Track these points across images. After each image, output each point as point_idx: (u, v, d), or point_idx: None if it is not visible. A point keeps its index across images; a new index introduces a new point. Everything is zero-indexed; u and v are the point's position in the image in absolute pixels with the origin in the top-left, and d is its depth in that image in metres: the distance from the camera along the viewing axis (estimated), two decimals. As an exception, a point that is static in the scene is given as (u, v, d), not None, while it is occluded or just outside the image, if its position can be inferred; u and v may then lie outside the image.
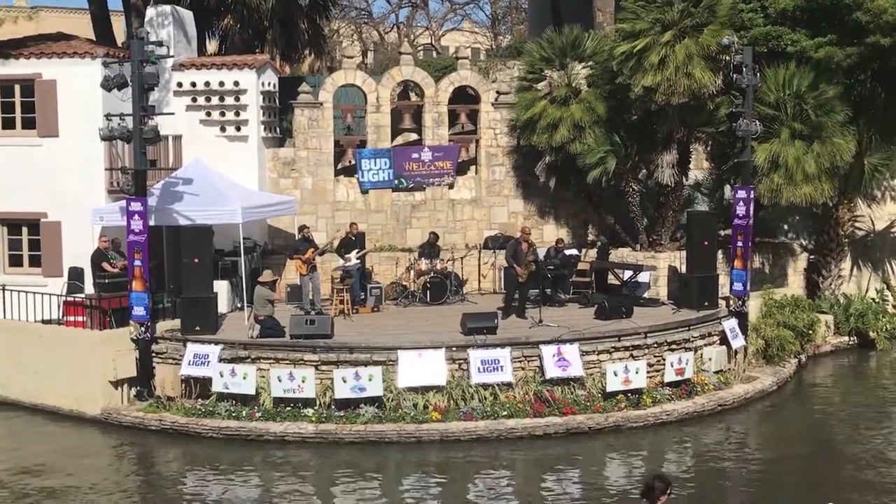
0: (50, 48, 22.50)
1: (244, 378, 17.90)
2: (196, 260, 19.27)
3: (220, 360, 18.11)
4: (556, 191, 24.78)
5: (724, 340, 20.43)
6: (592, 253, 24.29)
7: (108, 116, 19.11)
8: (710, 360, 19.90)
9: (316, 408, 17.60)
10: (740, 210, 20.93)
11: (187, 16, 24.98)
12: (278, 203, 23.21)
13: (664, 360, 18.98)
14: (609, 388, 18.17)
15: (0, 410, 19.50)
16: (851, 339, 24.34)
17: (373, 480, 15.67)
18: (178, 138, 23.29)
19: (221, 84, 23.53)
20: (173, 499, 15.13)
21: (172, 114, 21.76)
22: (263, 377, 17.93)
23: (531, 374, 18.20)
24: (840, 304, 24.86)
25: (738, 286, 21.06)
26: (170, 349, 18.90)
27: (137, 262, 18.65)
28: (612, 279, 23.15)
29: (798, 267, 25.63)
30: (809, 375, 22.04)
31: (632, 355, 18.80)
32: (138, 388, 18.82)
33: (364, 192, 24.82)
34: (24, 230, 22.63)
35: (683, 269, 21.97)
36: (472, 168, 25.78)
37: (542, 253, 22.09)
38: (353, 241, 22.27)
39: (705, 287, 21.08)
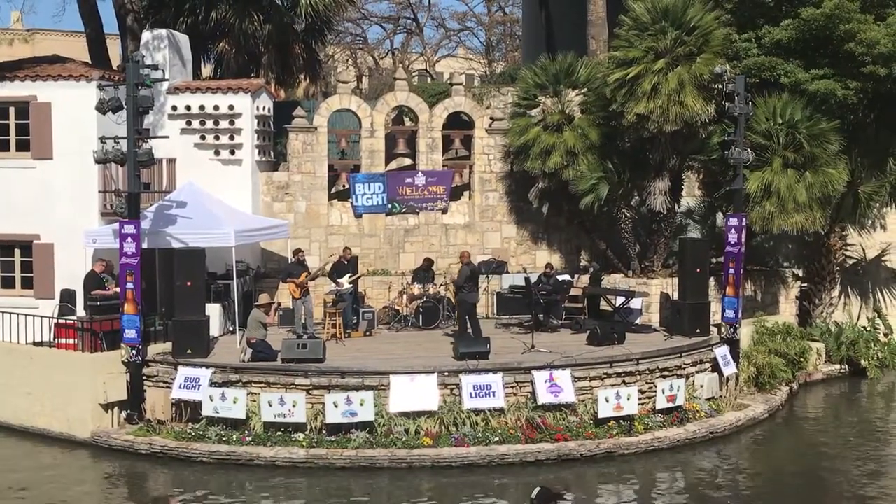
0: (45, 70, 22.58)
1: (234, 402, 17.81)
2: (188, 283, 19.20)
3: (211, 383, 18.05)
4: (549, 216, 24.91)
5: (715, 367, 20.43)
6: (585, 279, 24.30)
7: (102, 139, 19.15)
8: (701, 387, 19.91)
9: (307, 432, 17.53)
10: (732, 237, 21.02)
11: (183, 40, 25.08)
12: (271, 227, 23.21)
13: (656, 386, 18.97)
14: (601, 415, 18.13)
15: (-11, 432, 19.44)
16: (843, 367, 24.36)
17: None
18: (172, 161, 23.28)
19: (216, 108, 23.61)
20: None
21: (167, 137, 21.74)
22: (254, 401, 17.86)
23: (523, 399, 18.17)
24: (831, 332, 24.88)
25: (729, 313, 21.10)
26: (161, 372, 18.83)
27: (129, 285, 18.60)
28: (604, 305, 23.17)
29: (790, 295, 25.69)
30: (801, 403, 22.04)
31: (623, 382, 18.80)
32: (129, 411, 18.73)
33: (358, 216, 24.85)
34: (17, 252, 22.60)
35: (675, 296, 21.97)
36: (466, 193, 25.86)
37: (534, 279, 22.14)
38: (345, 265, 22.31)
39: (697, 314, 21.08)
